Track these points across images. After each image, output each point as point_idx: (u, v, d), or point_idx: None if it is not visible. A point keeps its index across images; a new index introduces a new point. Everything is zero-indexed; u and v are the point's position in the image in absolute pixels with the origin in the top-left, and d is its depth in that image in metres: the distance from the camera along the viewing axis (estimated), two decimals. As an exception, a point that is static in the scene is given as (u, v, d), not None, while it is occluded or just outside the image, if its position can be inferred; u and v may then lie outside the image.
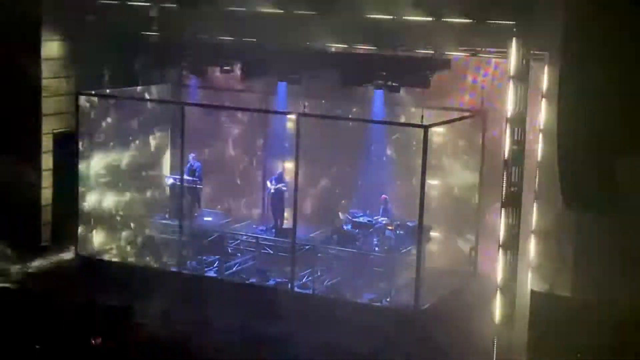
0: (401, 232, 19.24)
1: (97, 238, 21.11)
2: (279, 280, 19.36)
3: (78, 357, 16.50)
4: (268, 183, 21.21)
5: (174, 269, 20.04)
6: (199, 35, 20.50)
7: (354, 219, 20.00)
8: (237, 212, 22.56)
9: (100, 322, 17.47)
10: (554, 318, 16.16)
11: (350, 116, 20.87)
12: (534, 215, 17.86)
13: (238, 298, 18.63)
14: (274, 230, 20.77)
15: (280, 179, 20.96)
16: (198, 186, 21.25)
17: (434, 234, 19.51)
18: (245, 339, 17.36)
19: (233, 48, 20.19)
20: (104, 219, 21.13)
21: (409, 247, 18.86)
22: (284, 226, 20.71)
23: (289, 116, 20.31)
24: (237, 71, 20.05)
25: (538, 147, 17.83)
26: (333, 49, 19.87)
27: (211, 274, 19.99)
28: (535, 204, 17.95)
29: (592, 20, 15.44)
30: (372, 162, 21.04)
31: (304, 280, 19.26)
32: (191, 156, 21.30)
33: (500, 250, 17.22)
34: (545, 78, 17.78)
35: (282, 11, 19.64)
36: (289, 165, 20.58)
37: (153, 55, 20.95)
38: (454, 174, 20.21)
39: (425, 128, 17.78)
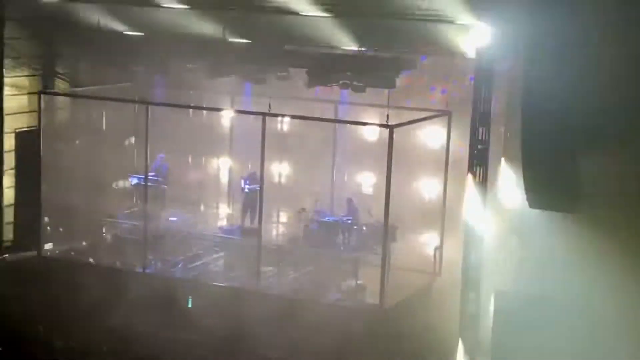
0: (366, 230, 19.26)
1: (60, 238, 20.88)
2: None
3: (41, 359, 16.37)
4: (242, 182, 21.13)
5: (139, 270, 19.90)
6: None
7: (321, 219, 19.99)
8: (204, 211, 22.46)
9: (63, 324, 17.37)
10: (518, 317, 16.24)
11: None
12: (498, 214, 17.89)
13: (203, 298, 18.57)
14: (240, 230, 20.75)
15: (253, 178, 20.86)
16: (162, 186, 21.12)
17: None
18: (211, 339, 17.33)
19: (196, 46, 20.03)
20: (67, 219, 20.90)
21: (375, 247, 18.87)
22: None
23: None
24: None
25: (502, 146, 17.88)
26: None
27: (177, 274, 19.85)
28: (499, 203, 17.99)
29: (559, 19, 15.48)
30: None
31: (269, 279, 19.21)
32: (159, 156, 21.18)
33: (464, 249, 17.24)
34: (509, 78, 17.81)
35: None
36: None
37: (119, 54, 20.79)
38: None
39: (391, 128, 17.82)
